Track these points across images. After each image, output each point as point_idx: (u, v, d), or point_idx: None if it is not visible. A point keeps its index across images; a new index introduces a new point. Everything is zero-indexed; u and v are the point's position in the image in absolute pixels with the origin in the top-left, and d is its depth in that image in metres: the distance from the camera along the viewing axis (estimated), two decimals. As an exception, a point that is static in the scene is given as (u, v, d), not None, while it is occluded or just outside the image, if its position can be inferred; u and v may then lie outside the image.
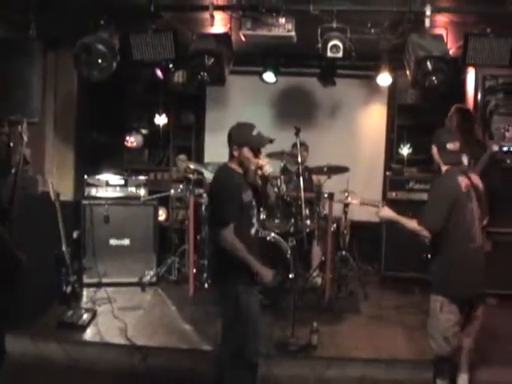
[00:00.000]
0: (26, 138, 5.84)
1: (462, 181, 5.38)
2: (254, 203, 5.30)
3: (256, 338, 5.32)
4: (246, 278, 5.14)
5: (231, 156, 5.20)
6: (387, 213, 5.79)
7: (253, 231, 5.27)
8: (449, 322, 5.39)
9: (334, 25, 6.87)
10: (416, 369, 6.39)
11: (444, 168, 5.51)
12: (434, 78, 6.85)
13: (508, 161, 8.44)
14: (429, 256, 5.80)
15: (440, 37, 7.02)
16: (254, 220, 5.29)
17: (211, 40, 7.24)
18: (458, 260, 5.37)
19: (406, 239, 8.57)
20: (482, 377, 6.03)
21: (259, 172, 5.24)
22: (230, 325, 5.22)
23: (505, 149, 8.70)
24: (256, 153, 5.17)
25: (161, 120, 11.07)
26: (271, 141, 5.27)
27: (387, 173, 10.15)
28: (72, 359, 6.55)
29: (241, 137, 5.15)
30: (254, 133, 5.16)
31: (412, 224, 5.43)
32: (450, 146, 5.45)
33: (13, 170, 5.45)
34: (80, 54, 6.99)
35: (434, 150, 5.56)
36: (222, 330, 5.32)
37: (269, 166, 5.24)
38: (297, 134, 6.77)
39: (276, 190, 8.14)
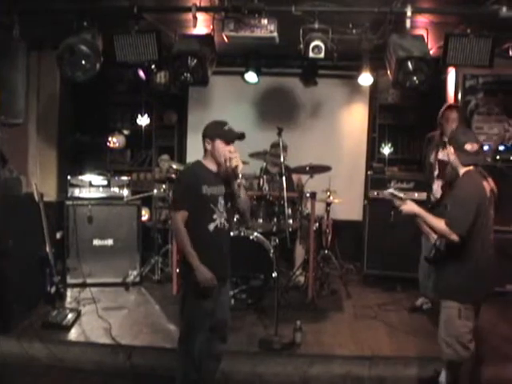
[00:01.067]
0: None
1: (486, 185, 5.37)
2: (220, 199, 5.38)
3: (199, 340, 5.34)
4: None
5: (205, 151, 5.40)
6: (412, 207, 5.51)
7: (211, 226, 5.27)
8: (465, 327, 5.37)
9: (316, 25, 6.91)
10: (399, 365, 6.46)
11: (462, 170, 5.42)
12: (414, 78, 6.87)
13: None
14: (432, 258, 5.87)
15: (421, 37, 7.04)
16: (216, 215, 5.29)
17: (194, 41, 7.24)
18: (480, 267, 5.35)
19: (387, 238, 8.75)
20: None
21: (227, 165, 5.35)
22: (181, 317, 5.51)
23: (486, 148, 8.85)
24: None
25: (143, 120, 11.11)
26: (242, 135, 5.46)
27: (369, 172, 10.18)
28: (57, 359, 6.58)
29: (213, 130, 5.37)
30: (226, 128, 5.37)
31: (440, 224, 5.27)
32: (468, 146, 5.35)
33: None
34: (63, 55, 6.97)
35: (451, 151, 5.48)
36: None
37: (236, 160, 5.31)
38: (279, 134, 6.84)
39: (257, 190, 8.25)
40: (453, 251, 5.34)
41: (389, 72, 7.20)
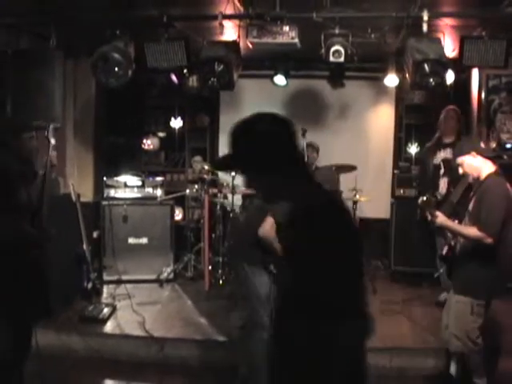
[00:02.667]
0: (53, 141, 6.14)
1: (510, 187, 5.52)
2: None
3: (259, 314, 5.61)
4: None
5: None
6: (444, 222, 5.67)
7: None
8: (476, 323, 5.55)
9: (337, 31, 7.13)
10: (418, 356, 6.69)
11: (486, 171, 5.55)
12: (431, 79, 7.03)
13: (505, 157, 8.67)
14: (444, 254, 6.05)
15: (437, 40, 7.18)
16: None
17: (220, 47, 7.50)
18: (501, 267, 5.50)
19: (414, 236, 8.92)
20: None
21: None
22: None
23: (510, 146, 9.02)
24: None
25: (176, 123, 11.44)
26: None
27: (395, 171, 10.40)
28: (93, 350, 6.87)
29: None
30: None
31: (472, 231, 5.43)
32: (482, 145, 5.61)
33: (41, 172, 5.70)
34: (97, 63, 7.26)
35: (471, 158, 5.59)
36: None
37: None
38: (303, 135, 7.11)
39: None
40: (474, 250, 5.50)
41: (407, 74, 7.39)
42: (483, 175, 5.56)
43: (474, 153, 5.59)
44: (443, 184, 8.17)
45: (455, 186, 7.44)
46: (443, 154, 8.25)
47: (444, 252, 6.01)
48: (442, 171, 8.28)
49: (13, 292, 4.77)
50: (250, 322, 5.64)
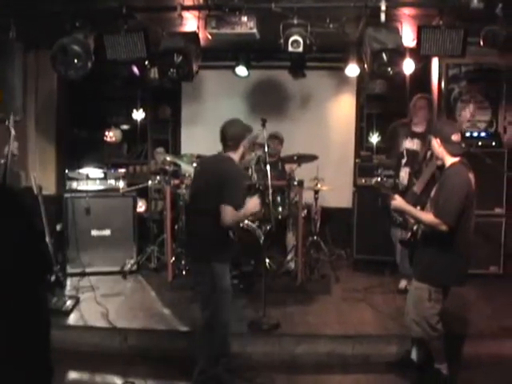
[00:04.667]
0: (13, 132, 6.11)
1: (472, 177, 5.59)
2: None
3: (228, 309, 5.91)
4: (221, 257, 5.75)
5: (236, 149, 5.90)
6: (400, 204, 5.80)
7: None
8: (434, 309, 5.69)
9: (295, 21, 7.17)
10: (381, 343, 6.80)
11: (450, 161, 5.62)
12: (389, 69, 7.13)
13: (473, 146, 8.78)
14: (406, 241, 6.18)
15: (395, 30, 7.28)
16: None
17: (180, 38, 7.51)
18: (460, 256, 5.63)
19: (375, 224, 9.00)
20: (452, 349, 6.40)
21: None
22: (206, 299, 5.78)
23: (468, 134, 9.14)
24: None
25: (138, 115, 11.41)
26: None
27: (357, 160, 10.48)
28: (56, 342, 6.88)
29: (248, 131, 6.02)
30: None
31: (428, 217, 5.55)
32: (454, 137, 5.58)
33: (1, 161, 5.69)
34: (57, 55, 7.24)
35: (437, 142, 5.65)
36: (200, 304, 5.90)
37: None
38: (263, 125, 7.15)
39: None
40: (434, 237, 5.59)
41: (365, 64, 7.45)
42: (448, 162, 5.65)
43: (439, 140, 5.67)
44: (404, 174, 8.21)
45: (417, 178, 7.52)
46: (409, 145, 8.28)
47: (406, 237, 6.09)
48: (404, 160, 8.32)
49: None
50: (213, 320, 5.75)
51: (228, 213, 5.53)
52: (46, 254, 5.39)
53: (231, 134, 5.84)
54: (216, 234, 5.67)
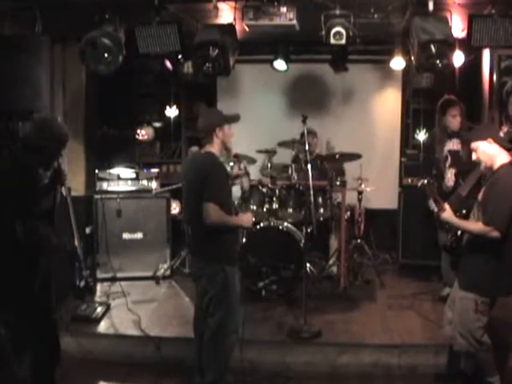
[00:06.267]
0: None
1: None
2: None
3: (239, 313, 5.87)
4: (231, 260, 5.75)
5: (211, 141, 5.79)
6: (449, 217, 5.69)
7: None
8: (479, 322, 5.56)
9: (338, 11, 7.12)
10: (429, 353, 6.68)
11: (499, 162, 5.49)
12: (438, 61, 7.00)
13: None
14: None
15: (444, 19, 7.12)
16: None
17: (215, 31, 7.46)
18: (509, 264, 5.49)
19: (422, 226, 8.92)
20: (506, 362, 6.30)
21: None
22: (217, 304, 5.70)
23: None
24: None
25: (172, 112, 11.39)
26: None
27: (403, 159, 10.40)
28: (86, 351, 6.92)
29: (219, 118, 5.86)
30: (222, 112, 6.01)
31: (477, 226, 5.44)
32: (501, 133, 5.58)
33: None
34: (86, 49, 7.24)
35: (489, 142, 5.51)
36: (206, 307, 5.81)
37: None
38: (304, 122, 7.09)
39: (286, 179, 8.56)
40: (481, 244, 5.47)
41: (412, 56, 7.35)
42: (496, 165, 5.51)
43: (490, 139, 5.53)
44: (450, 175, 8.12)
45: (463, 178, 7.43)
46: (450, 145, 8.22)
47: (449, 243, 6.01)
48: (448, 162, 8.22)
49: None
50: (223, 326, 5.71)
51: (209, 210, 5.45)
52: None
53: (200, 128, 5.84)
54: (217, 237, 5.64)
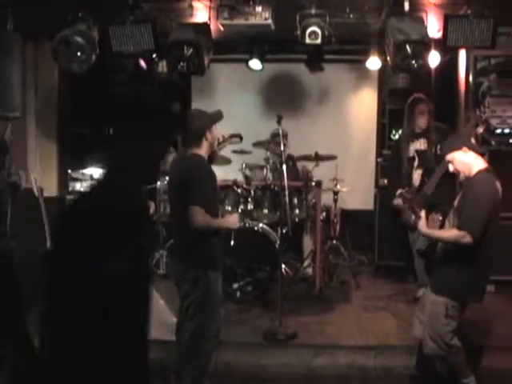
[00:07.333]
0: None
1: (499, 186, 5.50)
2: None
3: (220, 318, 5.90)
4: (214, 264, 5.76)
5: (200, 142, 5.77)
6: (423, 226, 5.76)
7: None
8: (449, 326, 5.62)
9: (313, 11, 7.15)
10: (405, 355, 6.69)
11: (476, 168, 5.52)
12: (413, 61, 7.06)
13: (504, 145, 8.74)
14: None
15: (420, 19, 7.21)
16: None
17: (190, 30, 7.47)
18: (482, 270, 5.60)
19: (399, 227, 8.95)
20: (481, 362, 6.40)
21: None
22: (197, 308, 5.71)
23: (499, 131, 9.06)
24: None
25: (146, 111, 11.34)
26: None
27: (379, 159, 10.46)
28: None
29: (208, 119, 5.86)
30: (209, 112, 5.98)
31: (450, 233, 5.51)
32: (473, 140, 5.65)
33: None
34: (58, 47, 7.24)
35: (464, 151, 5.55)
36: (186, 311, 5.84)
37: None
38: (279, 122, 7.11)
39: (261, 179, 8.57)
40: (455, 249, 5.53)
41: (388, 56, 7.40)
42: (474, 172, 5.55)
43: (465, 148, 5.58)
44: (417, 176, 8.23)
45: (429, 177, 7.51)
46: (417, 145, 8.30)
47: (424, 247, 6.07)
48: (415, 163, 8.33)
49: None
50: (202, 331, 5.73)
51: (195, 213, 5.44)
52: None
53: (190, 133, 5.83)
54: (203, 241, 5.64)
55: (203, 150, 5.78)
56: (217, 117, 5.89)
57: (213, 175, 5.78)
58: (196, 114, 5.97)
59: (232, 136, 6.34)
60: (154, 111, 10.62)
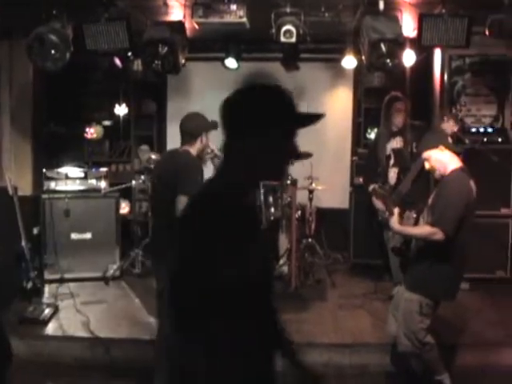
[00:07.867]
0: None
1: (473, 185, 5.56)
2: None
3: None
4: None
5: (193, 144, 5.89)
6: (395, 223, 5.80)
7: None
8: (423, 324, 5.67)
9: (288, 9, 7.17)
10: (380, 352, 6.75)
11: (450, 167, 5.59)
12: (388, 60, 7.11)
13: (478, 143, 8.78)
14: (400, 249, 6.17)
15: (395, 18, 7.25)
16: None
17: (164, 28, 7.48)
18: (456, 269, 5.65)
19: (374, 226, 8.99)
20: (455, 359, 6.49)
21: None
22: None
23: (474, 130, 9.13)
24: None
25: (121, 110, 11.29)
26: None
27: (354, 158, 10.46)
28: (34, 354, 6.88)
29: (206, 123, 5.93)
30: (205, 117, 5.96)
31: (423, 229, 5.56)
32: (450, 139, 5.68)
33: None
34: (33, 45, 7.20)
35: (441, 150, 5.63)
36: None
37: None
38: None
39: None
40: (429, 247, 5.58)
41: (363, 55, 7.43)
42: (448, 170, 5.61)
43: (442, 146, 5.65)
44: (393, 174, 8.26)
45: (405, 175, 7.55)
46: (393, 143, 8.33)
47: (398, 245, 6.09)
48: (391, 161, 8.37)
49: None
50: None
51: (183, 203, 5.24)
52: None
53: (188, 129, 5.88)
54: None
55: (194, 149, 5.86)
56: (214, 125, 5.86)
57: (202, 171, 5.82)
58: (197, 115, 5.99)
59: (215, 155, 6.32)
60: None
